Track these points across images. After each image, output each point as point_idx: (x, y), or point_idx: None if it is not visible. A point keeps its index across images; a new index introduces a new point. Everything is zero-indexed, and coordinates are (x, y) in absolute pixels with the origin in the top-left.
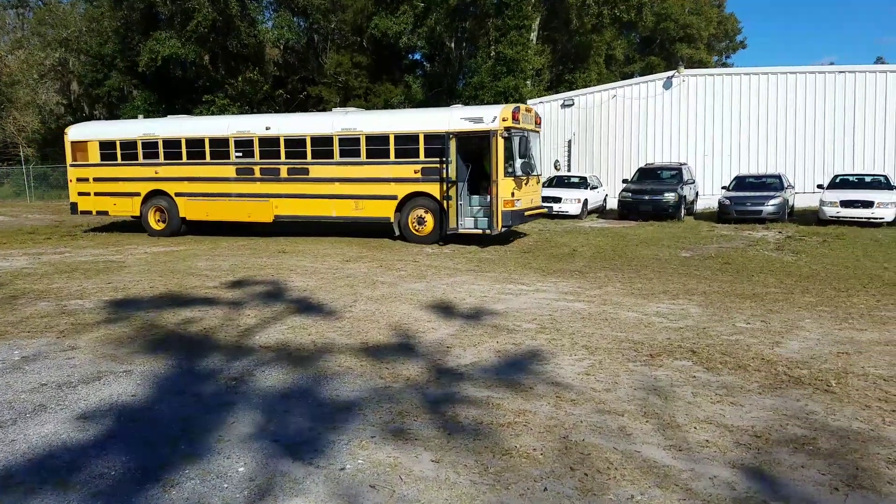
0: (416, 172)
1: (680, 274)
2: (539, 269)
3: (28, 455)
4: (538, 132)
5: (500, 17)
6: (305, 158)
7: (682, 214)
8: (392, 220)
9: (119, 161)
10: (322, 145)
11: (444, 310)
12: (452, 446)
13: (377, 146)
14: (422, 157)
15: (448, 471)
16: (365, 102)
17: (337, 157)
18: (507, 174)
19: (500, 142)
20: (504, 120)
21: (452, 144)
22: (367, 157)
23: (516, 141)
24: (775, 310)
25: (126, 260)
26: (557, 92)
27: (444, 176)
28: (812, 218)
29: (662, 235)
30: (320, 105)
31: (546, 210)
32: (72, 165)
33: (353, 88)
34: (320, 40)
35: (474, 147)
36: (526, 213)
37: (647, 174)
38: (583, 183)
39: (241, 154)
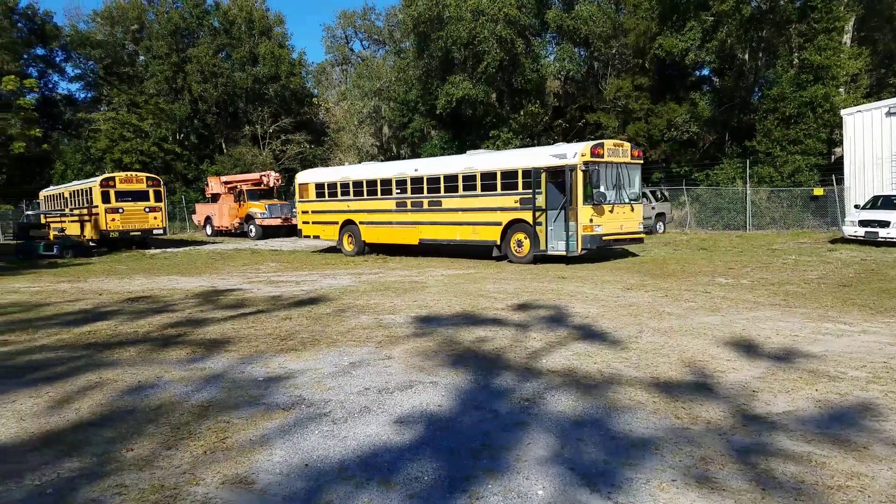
0: (515, 202)
1: None
2: (865, 305)
3: (357, 452)
4: (637, 164)
5: (805, 22)
6: (440, 192)
7: None
8: (499, 242)
9: (326, 198)
10: (451, 182)
11: (746, 348)
12: None
13: (489, 181)
14: (520, 189)
15: None
16: (646, 125)
17: (460, 192)
18: (586, 202)
19: (580, 174)
20: (583, 155)
21: (543, 178)
22: (481, 191)
23: (594, 173)
24: None
25: (427, 281)
26: (880, 98)
27: (535, 205)
28: None
29: None
30: (598, 131)
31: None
32: (299, 201)
33: (633, 111)
34: (600, 67)
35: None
36: (605, 238)
37: None
38: None
39: (399, 191)
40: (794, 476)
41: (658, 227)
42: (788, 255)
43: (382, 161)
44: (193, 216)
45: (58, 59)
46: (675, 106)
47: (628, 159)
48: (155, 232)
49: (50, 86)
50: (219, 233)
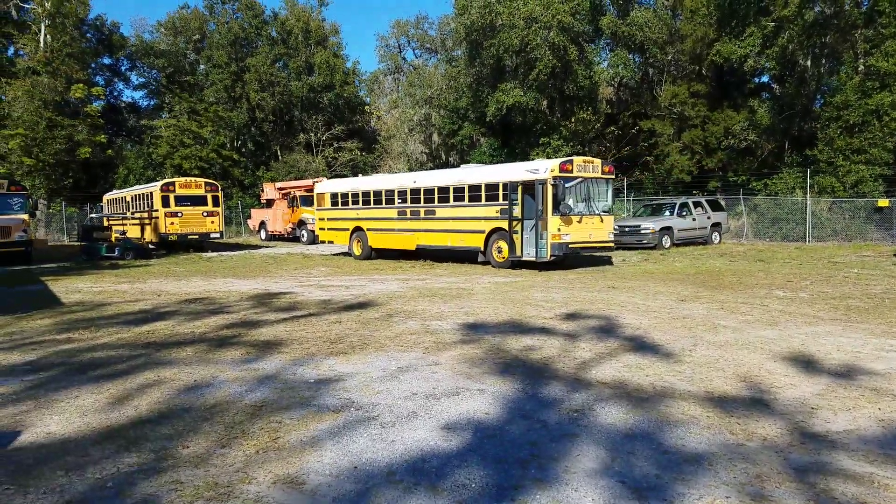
0: (497, 212)
1: None
2: None
3: (405, 456)
4: (607, 178)
5: (872, 27)
6: (434, 203)
7: None
8: (483, 249)
9: (339, 206)
10: (443, 193)
11: (805, 364)
12: None
13: (475, 193)
14: (500, 200)
15: None
16: (702, 132)
17: (451, 202)
18: (554, 213)
19: (549, 188)
20: (552, 171)
21: (519, 190)
22: (468, 202)
23: (561, 187)
24: None
25: (473, 288)
26: None
27: (511, 215)
28: None
29: None
30: (652, 138)
31: (612, 245)
32: (317, 209)
33: (688, 118)
34: (655, 73)
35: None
36: (571, 245)
37: None
38: None
39: (401, 201)
40: (855, 497)
41: (714, 237)
42: (850, 268)
43: (431, 169)
44: (249, 221)
45: (123, 67)
46: (733, 113)
47: (599, 174)
48: (212, 236)
49: (115, 93)
50: (272, 237)
